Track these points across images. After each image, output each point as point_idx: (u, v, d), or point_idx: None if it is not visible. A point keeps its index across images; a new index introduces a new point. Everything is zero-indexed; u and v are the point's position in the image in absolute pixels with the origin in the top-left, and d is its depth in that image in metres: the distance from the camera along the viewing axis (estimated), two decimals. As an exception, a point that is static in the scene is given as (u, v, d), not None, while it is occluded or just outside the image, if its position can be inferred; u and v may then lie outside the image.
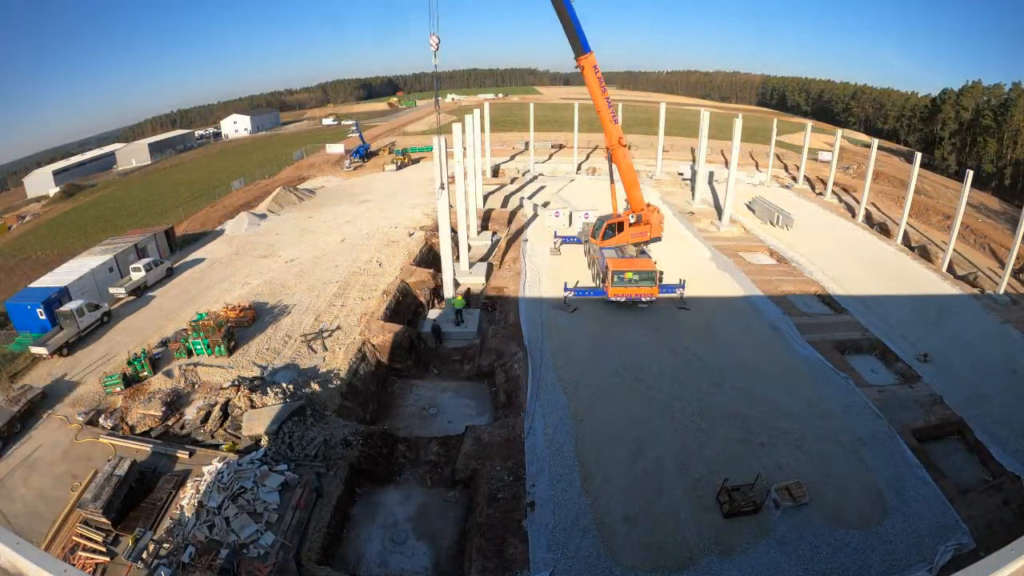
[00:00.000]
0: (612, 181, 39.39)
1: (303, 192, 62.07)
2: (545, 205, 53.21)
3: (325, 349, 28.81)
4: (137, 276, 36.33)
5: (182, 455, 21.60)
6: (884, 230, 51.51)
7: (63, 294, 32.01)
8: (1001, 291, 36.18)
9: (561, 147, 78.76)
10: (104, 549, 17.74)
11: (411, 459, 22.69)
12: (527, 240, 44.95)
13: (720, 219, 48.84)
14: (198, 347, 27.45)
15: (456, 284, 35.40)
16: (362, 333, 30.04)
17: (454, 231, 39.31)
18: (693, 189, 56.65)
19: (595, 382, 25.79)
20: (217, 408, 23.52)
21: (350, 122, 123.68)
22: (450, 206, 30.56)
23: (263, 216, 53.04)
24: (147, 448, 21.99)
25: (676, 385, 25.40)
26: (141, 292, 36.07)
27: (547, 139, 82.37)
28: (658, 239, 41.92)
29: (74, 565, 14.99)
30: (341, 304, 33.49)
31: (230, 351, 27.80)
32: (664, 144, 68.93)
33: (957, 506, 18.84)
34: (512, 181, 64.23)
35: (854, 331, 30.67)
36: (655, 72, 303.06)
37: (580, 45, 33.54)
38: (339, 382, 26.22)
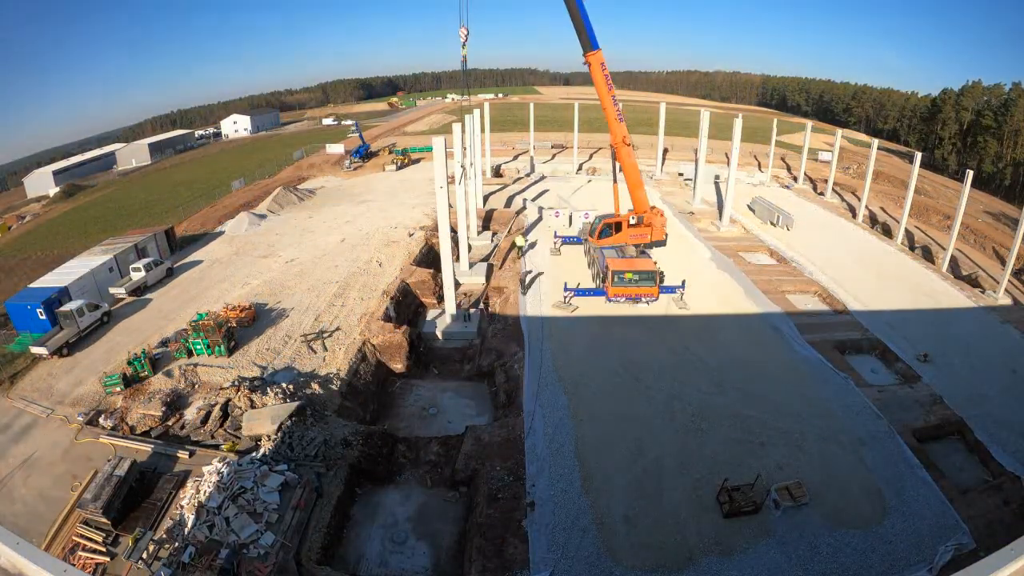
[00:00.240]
0: (615, 181, 39.36)
1: (303, 192, 62.08)
2: (538, 201, 53.22)
3: (325, 349, 28.81)
4: (137, 276, 36.34)
5: (182, 455, 21.62)
6: (885, 230, 51.52)
7: (63, 294, 32.00)
8: (1001, 291, 36.18)
9: (563, 147, 78.79)
10: (104, 549, 17.76)
11: (411, 459, 22.69)
12: (526, 239, 44.93)
13: (720, 219, 48.84)
14: (198, 347, 27.46)
15: (457, 284, 35.40)
16: (362, 333, 30.04)
17: (454, 231, 39.34)
18: (694, 189, 56.63)
19: (595, 382, 25.79)
20: (217, 408, 23.53)
21: (350, 122, 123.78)
22: (450, 206, 30.54)
23: (263, 216, 53.05)
24: (147, 448, 22.01)
25: (676, 385, 25.39)
26: (141, 292, 36.08)
27: (547, 139, 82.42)
28: (661, 243, 41.33)
29: (74, 565, 15.00)
30: (341, 304, 33.51)
31: (230, 351, 27.80)
32: (664, 144, 69.01)
33: (957, 506, 18.82)
34: (515, 181, 64.25)
35: (854, 331, 30.66)
36: (655, 72, 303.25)
37: (589, 41, 33.68)
38: (339, 382, 26.23)
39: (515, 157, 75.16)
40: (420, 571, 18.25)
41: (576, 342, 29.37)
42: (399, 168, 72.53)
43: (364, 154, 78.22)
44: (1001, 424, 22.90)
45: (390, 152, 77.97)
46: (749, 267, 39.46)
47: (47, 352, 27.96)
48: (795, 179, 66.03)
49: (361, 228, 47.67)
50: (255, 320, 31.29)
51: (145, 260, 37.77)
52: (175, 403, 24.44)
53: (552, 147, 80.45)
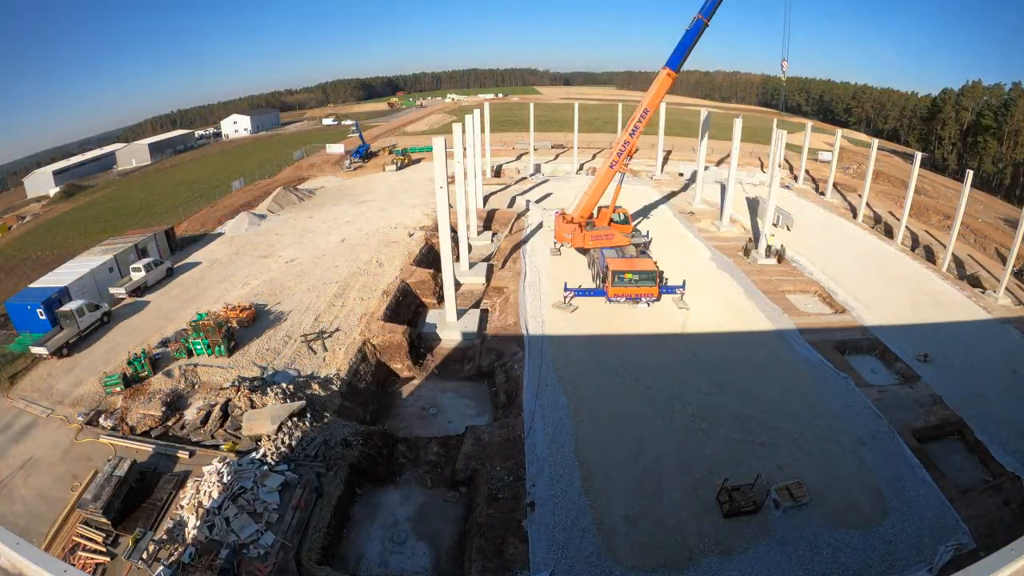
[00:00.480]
0: (619, 183, 39.88)
1: (303, 192, 62.10)
2: (542, 203, 53.24)
3: (325, 349, 28.81)
4: (137, 276, 36.34)
5: (182, 455, 21.62)
6: (885, 230, 51.51)
7: (63, 294, 32.01)
8: (1001, 291, 36.17)
9: (563, 147, 78.83)
10: (104, 549, 17.76)
11: (411, 459, 22.69)
12: (527, 240, 44.96)
13: (720, 219, 48.82)
14: (198, 347, 27.46)
15: (457, 284, 35.40)
16: (362, 333, 30.04)
17: (454, 231, 39.35)
18: (699, 189, 56.62)
19: (595, 382, 25.78)
20: (217, 408, 23.52)
21: (350, 122, 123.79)
22: (450, 206, 30.54)
23: (263, 216, 53.05)
24: (147, 448, 22.01)
25: (676, 385, 25.39)
26: (141, 292, 36.07)
27: (547, 139, 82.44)
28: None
29: (74, 565, 15.00)
30: (341, 304, 33.50)
31: (230, 351, 27.80)
32: (665, 144, 69.02)
33: (957, 506, 18.82)
34: (516, 182, 64.27)
35: (854, 331, 30.68)
36: (655, 72, 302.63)
37: (677, 62, 36.55)
38: (339, 382, 26.23)
39: (518, 157, 75.27)
40: (420, 571, 18.24)
41: (576, 342, 29.37)
42: (399, 168, 72.55)
43: (364, 154, 78.26)
44: (1001, 424, 22.90)
45: (390, 152, 78.00)
46: (749, 267, 39.46)
47: (47, 352, 27.96)
48: (796, 179, 66.04)
49: (361, 228, 47.68)
50: (255, 320, 31.29)
51: (145, 260, 37.78)
52: (175, 403, 24.44)
53: (552, 147, 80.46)
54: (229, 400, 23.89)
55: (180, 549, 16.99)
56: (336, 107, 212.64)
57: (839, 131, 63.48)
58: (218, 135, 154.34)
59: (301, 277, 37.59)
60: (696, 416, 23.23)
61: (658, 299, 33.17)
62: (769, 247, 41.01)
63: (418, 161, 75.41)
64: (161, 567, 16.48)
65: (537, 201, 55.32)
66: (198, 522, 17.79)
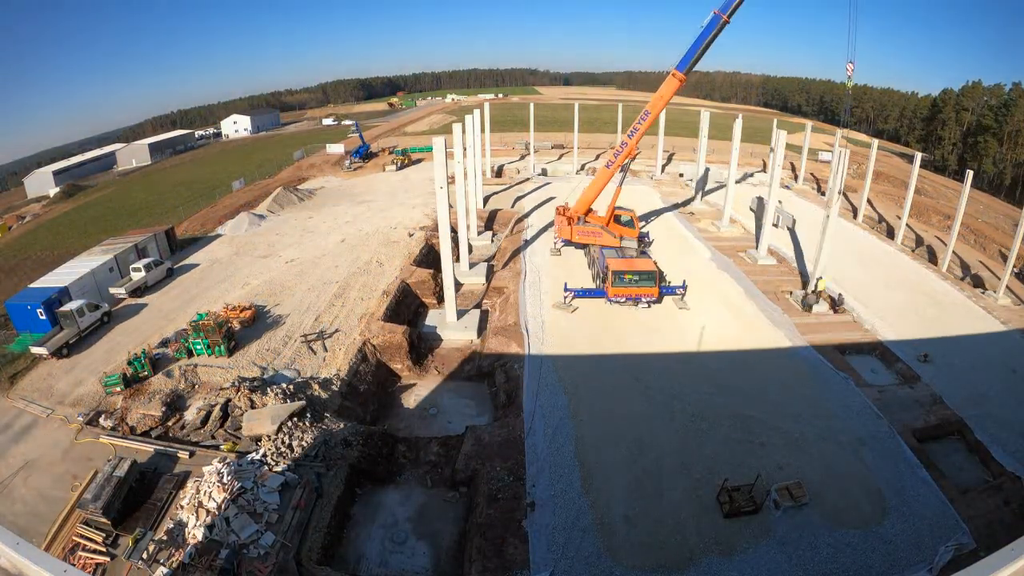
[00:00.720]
0: (619, 184, 39.58)
1: (303, 192, 62.10)
2: (545, 205, 53.20)
3: (325, 349, 28.81)
4: (137, 276, 36.33)
5: (182, 455, 21.61)
6: (885, 230, 51.50)
7: (63, 294, 32.00)
8: (1001, 291, 36.18)
9: (563, 147, 78.83)
10: (104, 549, 17.75)
11: (411, 459, 22.69)
12: (527, 240, 44.97)
13: (720, 219, 48.81)
14: (198, 347, 27.46)
15: (458, 285, 35.40)
16: (362, 333, 30.04)
17: (454, 231, 39.34)
18: (702, 190, 56.65)
19: (595, 382, 25.79)
20: (217, 408, 23.52)
21: (350, 122, 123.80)
22: (450, 206, 30.54)
23: (263, 216, 53.06)
24: (147, 448, 22.00)
25: (676, 385, 25.39)
26: (141, 292, 36.07)
27: (547, 139, 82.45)
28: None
29: (74, 565, 14.99)
30: (341, 304, 33.51)
31: (230, 351, 27.80)
32: (665, 145, 69.02)
33: (957, 506, 18.83)
34: (516, 184, 64.24)
35: (854, 331, 30.67)
36: (655, 72, 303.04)
37: (687, 64, 34.69)
38: (339, 382, 26.23)
39: (521, 157, 75.30)
40: (420, 571, 18.24)
41: (576, 342, 29.37)
42: (399, 168, 72.56)
43: (364, 154, 78.26)
44: (1001, 424, 22.91)
45: (390, 152, 77.99)
46: (749, 267, 39.47)
47: (47, 352, 27.95)
48: (796, 179, 66.02)
49: (361, 228, 47.69)
50: (255, 320, 31.29)
51: (145, 260, 37.76)
52: (175, 403, 24.44)
53: (552, 147, 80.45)
54: (229, 400, 23.89)
55: (180, 552, 16.98)
56: (336, 107, 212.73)
57: (839, 131, 63.42)
58: (218, 135, 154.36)
59: (301, 277, 37.59)
60: (696, 416, 23.23)
61: (659, 300, 33.14)
62: (816, 292, 32.73)
63: (418, 161, 75.42)
64: (161, 567, 16.48)
65: (538, 206, 55.33)
66: (198, 522, 17.79)
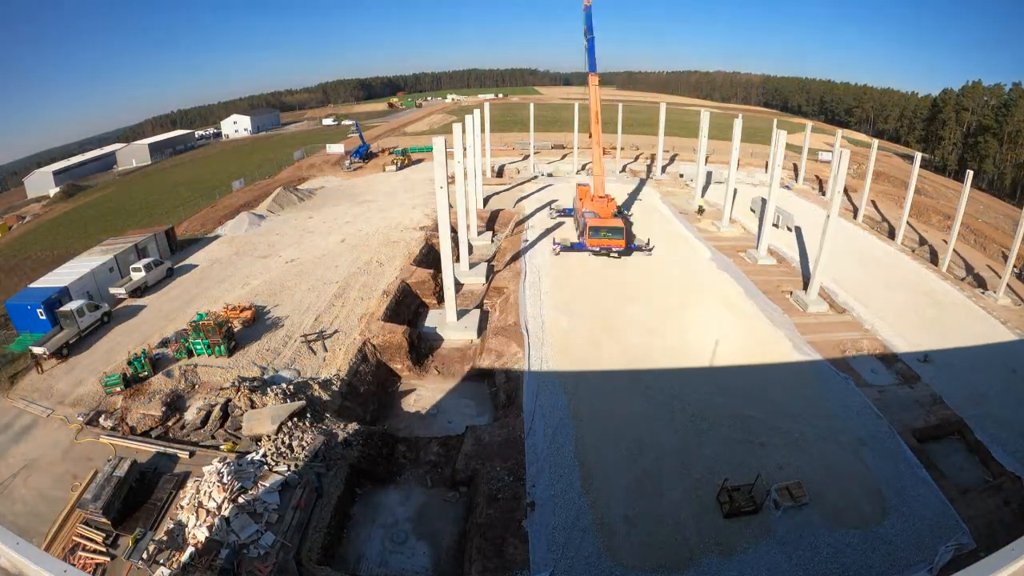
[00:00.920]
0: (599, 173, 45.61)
1: (303, 192, 62.08)
2: (547, 206, 53.21)
3: (325, 349, 28.81)
4: (137, 276, 36.32)
5: (182, 455, 21.61)
6: (885, 230, 51.49)
7: (63, 294, 31.99)
8: (1001, 291, 36.18)
9: (563, 147, 78.80)
10: (104, 549, 17.76)
11: (411, 459, 22.69)
12: (527, 240, 45.00)
13: (720, 219, 48.81)
14: (198, 347, 27.45)
15: (458, 285, 35.39)
16: (362, 333, 30.04)
17: (454, 231, 39.34)
18: (705, 190, 56.66)
19: (595, 382, 25.79)
20: (217, 408, 23.52)
21: (350, 122, 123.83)
22: (450, 206, 30.56)
23: (263, 216, 53.04)
24: (147, 448, 22.00)
25: (676, 385, 25.40)
26: (141, 292, 36.07)
27: (547, 139, 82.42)
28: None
29: (74, 565, 15.00)
30: (341, 304, 33.50)
31: (230, 351, 27.79)
32: (665, 145, 68.97)
33: (957, 506, 18.84)
34: (517, 185, 64.23)
35: (855, 331, 30.66)
36: (655, 72, 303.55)
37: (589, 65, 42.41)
38: (339, 382, 26.22)
39: (524, 157, 75.28)
40: (420, 571, 18.25)
41: (576, 342, 29.38)
42: (399, 168, 72.53)
43: (364, 154, 78.25)
44: (1001, 424, 22.92)
45: (390, 152, 77.95)
46: (749, 267, 39.47)
47: (47, 352, 27.93)
48: (796, 178, 66.00)
49: (361, 228, 47.69)
50: (255, 320, 31.28)
51: (145, 260, 37.75)
52: (175, 403, 24.43)
53: (552, 147, 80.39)
54: (229, 400, 23.89)
55: (180, 549, 16.98)
56: (336, 107, 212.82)
57: (839, 131, 63.44)
58: (218, 135, 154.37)
59: (301, 277, 37.59)
60: (696, 416, 23.23)
61: (628, 253, 40.64)
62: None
63: (418, 161, 75.40)
64: (161, 567, 16.48)
65: (539, 209, 55.37)
66: (198, 522, 17.79)
